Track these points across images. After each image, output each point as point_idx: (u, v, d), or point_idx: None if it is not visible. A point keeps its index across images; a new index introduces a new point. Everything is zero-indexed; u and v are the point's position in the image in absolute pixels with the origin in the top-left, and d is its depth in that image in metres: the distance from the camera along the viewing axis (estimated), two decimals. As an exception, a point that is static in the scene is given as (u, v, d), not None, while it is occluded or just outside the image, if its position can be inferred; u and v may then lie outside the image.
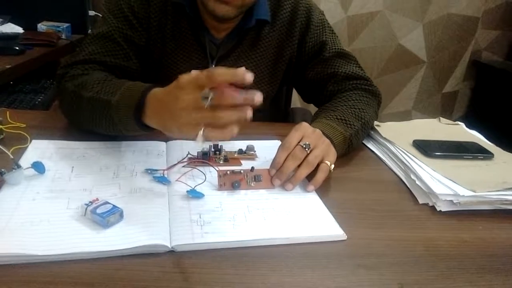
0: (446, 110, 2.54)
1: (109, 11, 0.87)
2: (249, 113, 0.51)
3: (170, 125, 0.57)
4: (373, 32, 2.26)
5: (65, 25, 1.69)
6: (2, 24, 1.60)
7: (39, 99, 1.23)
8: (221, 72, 0.50)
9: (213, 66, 0.92)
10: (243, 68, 0.50)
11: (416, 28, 2.30)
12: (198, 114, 0.52)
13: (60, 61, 1.56)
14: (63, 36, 1.66)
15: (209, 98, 0.50)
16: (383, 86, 2.42)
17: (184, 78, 0.54)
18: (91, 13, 1.83)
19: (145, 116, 0.61)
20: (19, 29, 1.60)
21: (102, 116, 0.68)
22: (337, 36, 0.99)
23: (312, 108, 1.06)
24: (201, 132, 0.52)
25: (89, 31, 1.80)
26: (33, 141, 0.73)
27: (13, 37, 1.52)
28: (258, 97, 0.51)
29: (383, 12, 2.23)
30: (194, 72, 0.53)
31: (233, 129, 0.51)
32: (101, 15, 0.90)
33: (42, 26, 1.66)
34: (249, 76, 0.50)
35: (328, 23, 0.99)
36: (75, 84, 0.74)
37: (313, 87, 0.99)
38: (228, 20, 0.85)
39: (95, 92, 0.69)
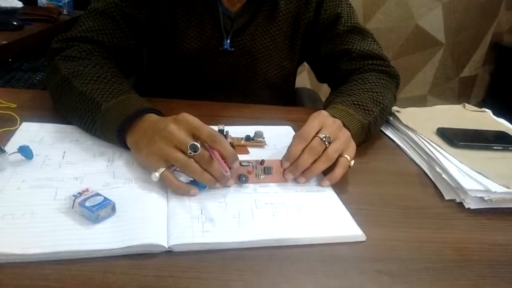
0: (463, 95, 2.44)
1: None
2: (217, 186, 0.54)
3: (142, 147, 0.56)
4: (389, 11, 2.15)
5: (67, -1, 1.62)
6: (1, -3, 1.53)
7: (38, 78, 1.17)
8: (222, 142, 0.52)
9: (228, 41, 0.86)
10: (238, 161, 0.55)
11: (435, 7, 2.19)
12: (174, 154, 0.52)
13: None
14: (65, 12, 1.59)
15: (197, 152, 0.51)
16: (398, 69, 2.32)
17: (187, 117, 0.54)
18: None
19: (127, 132, 0.59)
20: (18, 3, 1.53)
21: (86, 113, 0.63)
22: (354, 11, 0.92)
23: (321, 90, 0.99)
24: (161, 170, 0.52)
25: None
26: (23, 123, 0.67)
27: (11, 11, 1.45)
28: (231, 183, 0.55)
29: (400, -10, 2.12)
30: (199, 121, 0.54)
31: (191, 190, 0.52)
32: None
33: (42, 0, 1.60)
34: (236, 166, 0.55)
35: None
36: (69, 69, 0.68)
37: (326, 64, 0.93)
38: None
39: (89, 89, 0.64)
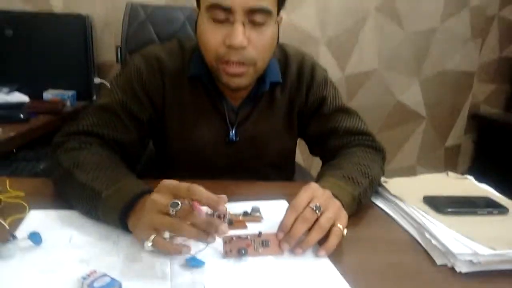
0: (450, 163, 2.51)
1: (118, 84, 0.88)
2: (211, 240, 0.54)
3: (136, 224, 0.59)
4: (370, 90, 2.31)
5: (70, 93, 1.73)
6: (9, 93, 1.63)
7: (41, 167, 1.22)
8: (200, 192, 0.54)
9: (233, 132, 0.93)
10: (221, 197, 0.55)
11: (412, 84, 2.35)
12: (159, 219, 0.55)
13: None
14: (68, 104, 1.68)
15: (178, 207, 0.54)
16: (385, 142, 2.40)
17: (165, 183, 0.58)
18: (96, 80, 1.88)
19: (128, 217, 0.62)
20: (25, 98, 1.63)
21: (88, 202, 0.67)
22: (339, 92, 1.01)
23: (312, 165, 1.05)
24: (151, 237, 0.55)
25: (94, 97, 1.84)
26: (31, 210, 0.70)
27: (18, 105, 1.53)
28: (223, 228, 0.53)
29: (379, 71, 2.29)
30: (176, 182, 0.57)
31: (183, 249, 0.54)
32: (108, 85, 0.91)
33: (47, 95, 1.70)
34: (222, 208, 0.55)
35: (331, 80, 1.01)
36: (70, 161, 0.73)
37: (316, 141, 1.00)
38: (242, 89, 0.88)
39: (89, 179, 0.68)
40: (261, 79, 0.90)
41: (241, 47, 0.76)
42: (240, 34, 0.75)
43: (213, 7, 0.76)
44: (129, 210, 0.62)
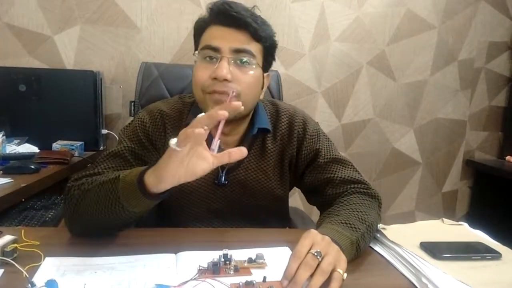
0: (448, 209, 2.54)
1: (125, 135, 0.97)
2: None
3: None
4: (367, 138, 2.39)
5: (79, 143, 1.79)
6: (19, 144, 1.70)
7: (50, 215, 1.25)
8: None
9: (223, 177, 1.00)
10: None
11: (407, 132, 2.44)
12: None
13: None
14: (76, 154, 1.74)
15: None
16: (383, 188, 2.50)
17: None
18: (104, 131, 1.95)
19: (148, 173, 0.69)
20: (34, 149, 1.69)
21: (108, 190, 0.73)
22: (332, 144, 1.07)
23: (313, 210, 1.09)
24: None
25: (101, 147, 1.91)
26: (46, 258, 0.74)
27: (28, 156, 1.59)
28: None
29: (374, 119, 2.38)
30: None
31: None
32: (115, 135, 0.99)
33: (56, 146, 1.76)
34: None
35: (323, 133, 1.07)
36: (82, 188, 0.80)
37: (312, 191, 1.05)
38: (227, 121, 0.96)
39: (106, 179, 0.75)
40: (250, 125, 0.99)
41: (224, 79, 0.87)
42: (224, 68, 0.87)
43: (205, 47, 0.90)
44: (145, 172, 0.69)
